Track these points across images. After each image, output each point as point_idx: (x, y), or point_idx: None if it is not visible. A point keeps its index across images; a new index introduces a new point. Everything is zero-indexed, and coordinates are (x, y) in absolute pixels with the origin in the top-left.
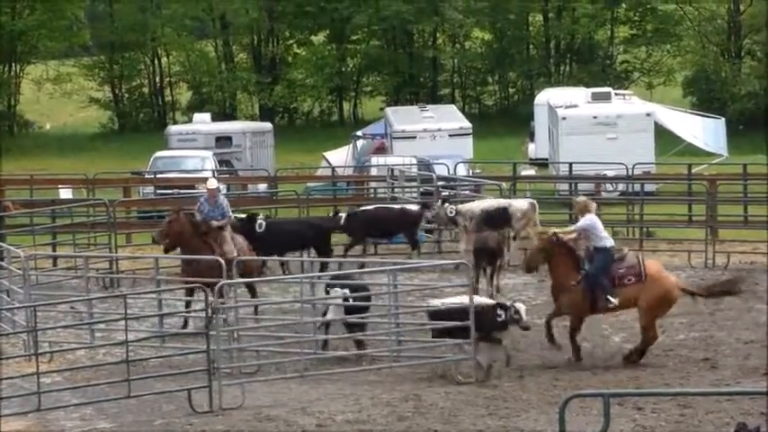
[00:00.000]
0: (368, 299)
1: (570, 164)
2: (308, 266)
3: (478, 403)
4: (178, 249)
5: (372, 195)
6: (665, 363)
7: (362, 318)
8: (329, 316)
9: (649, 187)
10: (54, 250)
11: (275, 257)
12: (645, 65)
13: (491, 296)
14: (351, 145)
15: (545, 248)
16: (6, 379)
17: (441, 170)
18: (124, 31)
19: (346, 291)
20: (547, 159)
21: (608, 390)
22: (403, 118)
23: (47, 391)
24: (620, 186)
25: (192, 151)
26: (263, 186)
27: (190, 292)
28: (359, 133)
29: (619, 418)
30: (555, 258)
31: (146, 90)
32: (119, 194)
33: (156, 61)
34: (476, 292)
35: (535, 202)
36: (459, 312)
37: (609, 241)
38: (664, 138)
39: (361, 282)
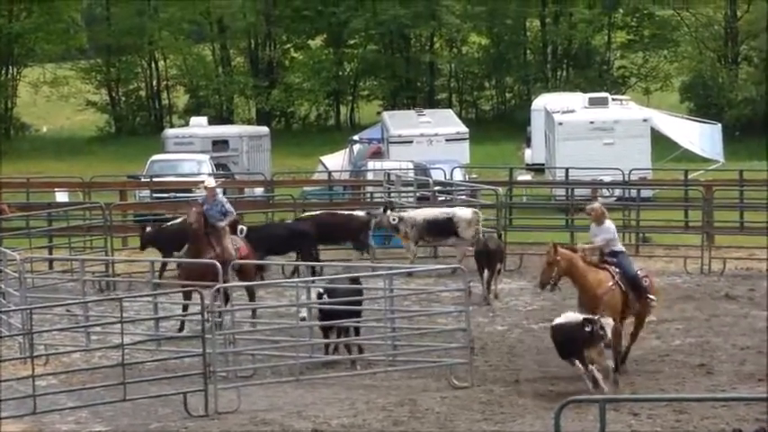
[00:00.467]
0: (358, 303)
1: (567, 169)
2: (304, 270)
3: (474, 408)
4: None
5: (369, 200)
6: (660, 368)
7: (357, 321)
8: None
9: (646, 193)
10: (50, 253)
11: (267, 261)
12: (642, 70)
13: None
14: (347, 149)
15: (553, 262)
16: (2, 381)
17: (437, 175)
18: (121, 35)
19: (320, 290)
20: (543, 164)
21: (603, 395)
22: (400, 122)
23: (42, 393)
24: (617, 192)
25: (188, 155)
26: (259, 190)
27: (187, 295)
28: (355, 137)
29: (614, 424)
30: (579, 270)
31: (143, 93)
32: (115, 198)
33: (153, 65)
34: (488, 296)
35: (479, 211)
36: (573, 329)
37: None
38: (660, 143)
39: (349, 286)
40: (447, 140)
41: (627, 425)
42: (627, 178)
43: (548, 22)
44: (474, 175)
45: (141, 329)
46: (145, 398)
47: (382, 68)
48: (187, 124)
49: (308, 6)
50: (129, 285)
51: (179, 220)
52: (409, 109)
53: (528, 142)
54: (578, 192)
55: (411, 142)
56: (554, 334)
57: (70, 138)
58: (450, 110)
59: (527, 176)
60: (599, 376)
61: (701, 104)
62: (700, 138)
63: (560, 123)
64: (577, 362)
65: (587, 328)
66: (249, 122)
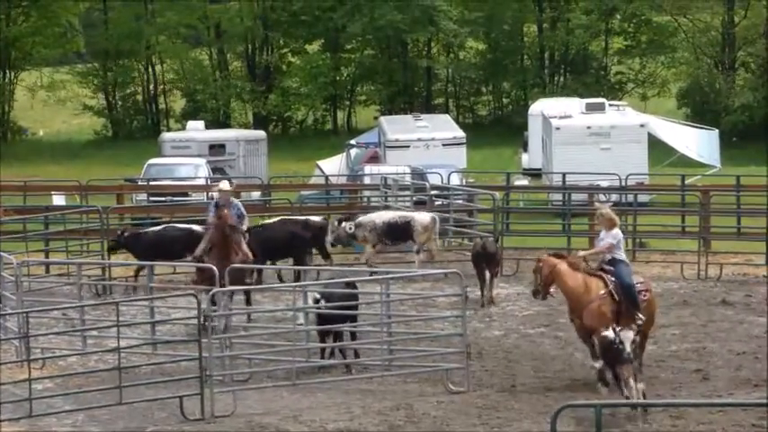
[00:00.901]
0: (353, 308)
1: (564, 174)
2: (302, 275)
3: (470, 412)
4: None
5: (366, 204)
6: (657, 373)
7: (353, 326)
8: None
9: (642, 198)
10: (47, 257)
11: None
12: (639, 76)
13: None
14: (344, 154)
15: (536, 270)
16: None
17: (434, 179)
18: (119, 39)
19: (317, 296)
20: (540, 169)
21: (600, 400)
22: (397, 127)
23: (38, 397)
24: (614, 197)
25: (185, 159)
26: (256, 194)
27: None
28: (352, 142)
29: (610, 429)
30: (563, 277)
31: (140, 97)
32: (112, 201)
33: (150, 69)
34: (484, 300)
35: (437, 216)
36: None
37: (625, 258)
38: (657, 149)
39: (346, 290)
40: (444, 145)
41: (623, 430)
42: (624, 183)
43: (545, 27)
44: (471, 180)
45: (138, 333)
46: (141, 401)
47: (379, 73)
48: (184, 128)
49: (306, 11)
50: (126, 289)
51: (158, 228)
52: (406, 114)
53: (525, 147)
54: (575, 197)
55: (408, 147)
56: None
57: (67, 141)
58: (447, 115)
59: (524, 181)
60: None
61: (698, 110)
62: (697, 143)
63: (557, 128)
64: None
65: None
66: (246, 127)
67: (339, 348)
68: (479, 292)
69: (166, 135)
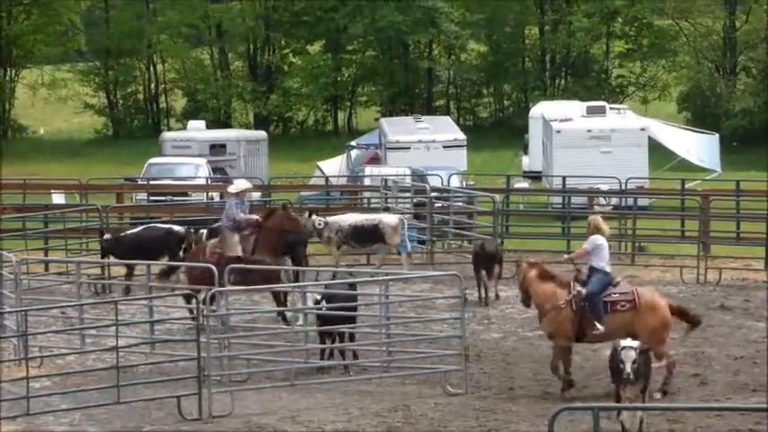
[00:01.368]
0: (352, 309)
1: (564, 177)
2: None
3: (468, 414)
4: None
5: (366, 205)
6: (654, 378)
7: (352, 327)
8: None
9: (642, 202)
10: (46, 255)
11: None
12: (640, 79)
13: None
14: (345, 155)
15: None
16: None
17: (434, 181)
18: (120, 38)
19: (317, 297)
20: (540, 172)
21: (598, 403)
22: (397, 128)
23: (36, 395)
24: (614, 200)
25: (185, 158)
26: (256, 195)
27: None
28: (353, 143)
29: None
30: (532, 285)
31: (141, 96)
32: (112, 200)
33: (151, 68)
34: (480, 301)
35: (404, 218)
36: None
37: (608, 267)
38: (658, 153)
39: (347, 292)
40: (444, 147)
41: None
42: (624, 187)
43: (546, 30)
44: (471, 182)
45: (136, 332)
46: (139, 401)
47: (380, 74)
48: (185, 128)
49: (307, 12)
50: (125, 288)
51: (137, 229)
52: (407, 115)
53: (525, 150)
54: (575, 200)
55: (408, 148)
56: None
57: (68, 140)
58: (448, 117)
59: (524, 184)
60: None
61: (699, 114)
62: (697, 148)
63: (558, 131)
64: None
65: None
66: (247, 127)
67: (338, 349)
68: (477, 294)
69: (167, 134)
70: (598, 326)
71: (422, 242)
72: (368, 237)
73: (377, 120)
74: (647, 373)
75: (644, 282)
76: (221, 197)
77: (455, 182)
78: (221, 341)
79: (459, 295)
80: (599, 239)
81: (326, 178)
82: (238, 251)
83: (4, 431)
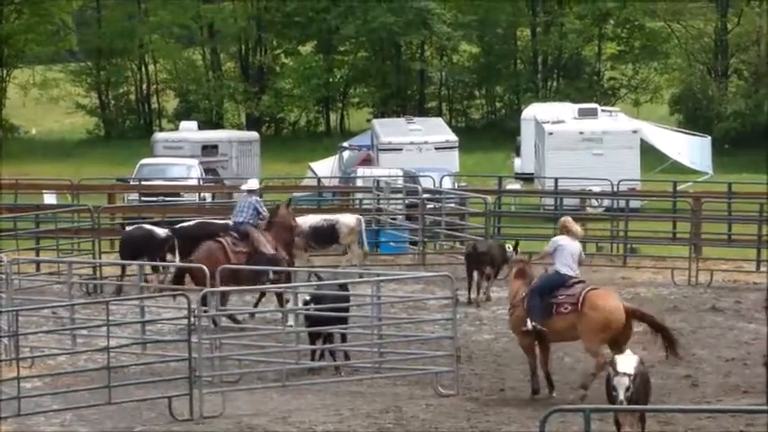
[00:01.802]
0: (344, 310)
1: (556, 179)
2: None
3: (459, 416)
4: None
5: (358, 206)
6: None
7: (343, 328)
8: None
9: (634, 204)
10: (37, 255)
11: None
12: (632, 82)
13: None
14: (337, 156)
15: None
16: None
17: (426, 183)
18: (111, 38)
19: (306, 298)
20: (532, 174)
21: (589, 405)
22: (389, 130)
23: (27, 395)
24: (605, 202)
25: (177, 159)
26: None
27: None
28: (345, 144)
29: None
30: (509, 282)
31: (132, 97)
32: (103, 201)
33: (143, 68)
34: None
35: (362, 218)
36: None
37: (568, 270)
38: (650, 155)
39: (337, 292)
40: (437, 149)
41: None
42: (616, 189)
43: (538, 31)
44: (463, 184)
45: (127, 333)
46: (130, 401)
47: (373, 76)
48: (177, 128)
49: (299, 12)
50: (117, 288)
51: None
52: (399, 117)
53: (517, 151)
54: (567, 202)
55: (401, 150)
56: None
57: (59, 140)
58: (440, 118)
59: (516, 185)
60: None
61: (691, 117)
62: (689, 150)
63: (550, 133)
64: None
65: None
66: (239, 128)
67: (329, 350)
68: (467, 295)
69: (159, 135)
70: (528, 323)
71: (414, 243)
72: (326, 237)
73: (369, 121)
74: (645, 399)
75: (636, 283)
76: (213, 198)
77: (447, 183)
78: (212, 342)
79: (451, 296)
80: (560, 241)
81: (318, 179)
82: (270, 248)
83: None
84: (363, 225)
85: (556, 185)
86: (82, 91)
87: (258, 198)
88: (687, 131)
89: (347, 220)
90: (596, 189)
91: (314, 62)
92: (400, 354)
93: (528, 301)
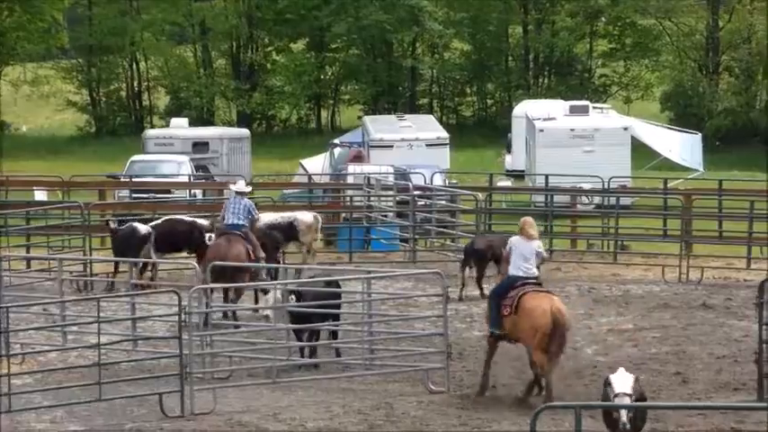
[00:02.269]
0: (332, 306)
1: (546, 176)
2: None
3: (450, 413)
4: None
5: (348, 203)
6: (636, 376)
7: (331, 324)
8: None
9: (625, 201)
10: (28, 252)
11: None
12: (623, 79)
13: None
14: (328, 153)
15: None
16: None
17: (417, 180)
18: (103, 35)
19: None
20: (523, 171)
21: (579, 402)
22: (381, 127)
23: (17, 392)
24: (596, 199)
25: (168, 156)
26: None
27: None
28: (336, 141)
29: (590, 431)
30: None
31: (123, 94)
32: (94, 197)
33: (134, 65)
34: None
35: (319, 215)
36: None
37: (518, 271)
38: (640, 152)
39: (321, 289)
40: (428, 145)
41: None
42: (606, 186)
43: (530, 29)
44: (454, 181)
45: (118, 330)
46: (121, 398)
47: (364, 73)
48: (168, 125)
49: (291, 10)
50: (107, 285)
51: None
52: (390, 114)
53: (508, 149)
54: (558, 199)
55: (392, 147)
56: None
57: (50, 137)
58: (431, 115)
59: (507, 182)
60: None
61: (682, 114)
62: (680, 147)
63: (541, 130)
64: None
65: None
66: (230, 125)
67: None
68: (458, 292)
69: (150, 132)
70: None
71: (404, 240)
72: (284, 235)
73: (360, 118)
74: (643, 422)
75: (626, 280)
76: (204, 194)
77: (438, 180)
78: (203, 338)
79: (442, 293)
80: (512, 242)
81: (309, 176)
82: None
83: None
84: (320, 223)
85: (546, 182)
86: (73, 88)
87: (250, 201)
88: (678, 128)
89: (305, 217)
90: (587, 186)
91: (305, 59)
92: (391, 351)
93: (489, 305)
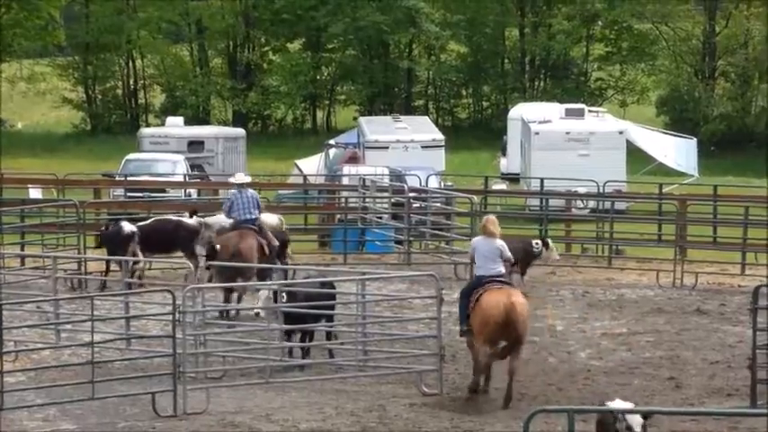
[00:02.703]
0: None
1: (542, 179)
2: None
3: (443, 415)
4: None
5: (343, 204)
6: (630, 380)
7: (324, 325)
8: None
9: (620, 205)
10: (22, 250)
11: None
12: (619, 83)
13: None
14: (323, 153)
15: None
16: None
17: (412, 181)
18: (99, 33)
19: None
20: (518, 174)
21: (573, 405)
22: (376, 128)
23: (10, 390)
24: (591, 203)
25: (163, 154)
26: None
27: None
28: (332, 142)
29: None
30: None
31: (119, 92)
32: (89, 195)
33: (130, 63)
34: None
35: (282, 217)
36: None
37: (482, 271)
38: (636, 156)
39: (311, 289)
40: (423, 147)
41: None
42: (601, 190)
43: (526, 32)
44: (449, 183)
45: (112, 328)
46: (113, 397)
47: (360, 74)
48: (163, 124)
49: (288, 10)
50: (101, 284)
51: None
52: (386, 115)
53: (504, 151)
54: (553, 202)
55: (387, 148)
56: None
57: (45, 134)
58: (426, 117)
59: (502, 185)
60: None
61: (677, 118)
62: (675, 152)
63: (537, 133)
64: None
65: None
66: (225, 124)
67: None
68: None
69: (145, 131)
70: (463, 326)
71: (399, 242)
72: None
73: (356, 119)
74: None
75: (620, 285)
76: (199, 193)
77: (433, 182)
78: (197, 338)
79: (436, 295)
80: (474, 243)
81: (304, 177)
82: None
83: None
84: (284, 225)
85: (542, 186)
86: (69, 85)
87: (253, 191)
88: (673, 133)
89: (269, 219)
90: (582, 190)
91: (301, 59)
92: (384, 352)
93: (459, 306)
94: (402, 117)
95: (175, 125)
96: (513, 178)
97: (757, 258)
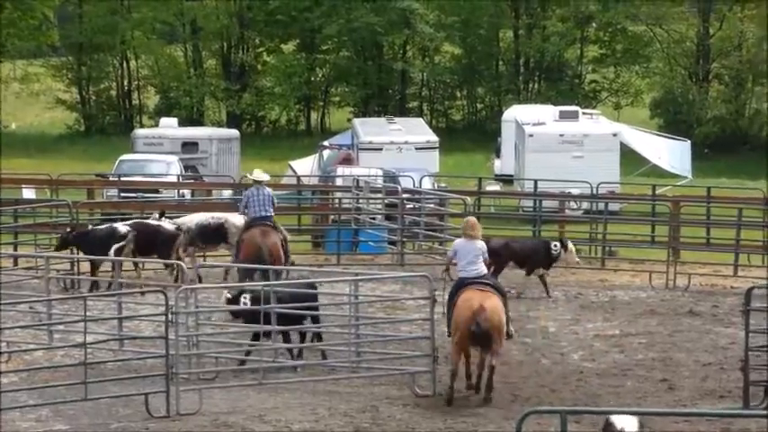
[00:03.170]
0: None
1: (535, 181)
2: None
3: (436, 417)
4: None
5: (337, 205)
6: (622, 382)
7: (319, 327)
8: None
9: (613, 207)
10: (15, 250)
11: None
12: (613, 85)
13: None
14: (317, 155)
15: None
16: None
17: (406, 183)
18: (93, 33)
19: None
20: (512, 176)
21: (565, 407)
22: (370, 129)
23: (3, 391)
24: (585, 205)
25: (157, 155)
26: (227, 193)
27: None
28: (325, 143)
29: None
30: None
31: (113, 93)
32: (82, 196)
33: (124, 64)
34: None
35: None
36: None
37: (463, 272)
38: (629, 158)
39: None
40: (417, 149)
41: None
42: (595, 192)
43: (521, 34)
44: (443, 185)
45: (105, 329)
46: (106, 397)
47: (354, 75)
48: (157, 125)
49: (282, 11)
50: (94, 284)
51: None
52: (380, 116)
53: (497, 153)
54: (546, 204)
55: (381, 149)
56: None
57: (39, 135)
58: (420, 118)
59: (496, 187)
60: None
61: (671, 121)
62: (669, 154)
63: (531, 135)
64: None
65: None
66: (219, 125)
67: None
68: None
69: (139, 131)
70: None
71: (393, 243)
72: (213, 236)
73: (350, 120)
74: None
75: (613, 286)
76: (193, 194)
77: (427, 184)
78: (190, 339)
79: (429, 296)
80: (455, 245)
81: (298, 178)
82: None
83: None
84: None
85: (535, 187)
86: (63, 86)
87: (270, 190)
88: (667, 135)
89: (236, 219)
90: (576, 191)
91: (295, 61)
92: (378, 353)
93: (446, 309)
94: (396, 119)
95: (169, 126)
96: (506, 180)
97: (750, 260)
